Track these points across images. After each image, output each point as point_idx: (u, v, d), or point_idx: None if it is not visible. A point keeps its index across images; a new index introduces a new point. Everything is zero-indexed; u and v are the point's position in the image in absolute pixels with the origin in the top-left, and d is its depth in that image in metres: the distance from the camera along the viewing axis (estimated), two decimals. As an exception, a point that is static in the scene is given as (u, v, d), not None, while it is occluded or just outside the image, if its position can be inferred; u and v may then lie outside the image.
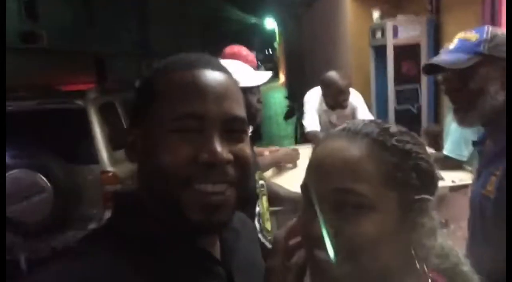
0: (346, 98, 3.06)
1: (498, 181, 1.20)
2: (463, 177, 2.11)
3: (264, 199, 1.67)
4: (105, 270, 0.58)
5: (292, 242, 0.68)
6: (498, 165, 1.21)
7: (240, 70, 1.60)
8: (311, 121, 3.17)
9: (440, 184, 2.05)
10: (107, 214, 3.00)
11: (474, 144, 1.47)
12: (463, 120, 1.30)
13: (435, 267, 0.62)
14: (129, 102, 4.49)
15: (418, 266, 0.59)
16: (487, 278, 0.70)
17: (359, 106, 3.18)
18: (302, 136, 6.28)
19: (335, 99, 3.06)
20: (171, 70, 0.65)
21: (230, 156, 0.61)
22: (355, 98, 3.18)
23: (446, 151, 2.25)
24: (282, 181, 2.24)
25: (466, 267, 0.65)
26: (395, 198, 0.58)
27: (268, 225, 1.65)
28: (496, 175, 1.21)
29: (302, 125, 6.12)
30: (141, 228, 0.63)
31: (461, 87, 1.25)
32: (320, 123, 3.21)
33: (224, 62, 1.73)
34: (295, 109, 7.02)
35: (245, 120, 0.66)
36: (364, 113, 3.17)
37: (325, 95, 3.12)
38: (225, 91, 0.64)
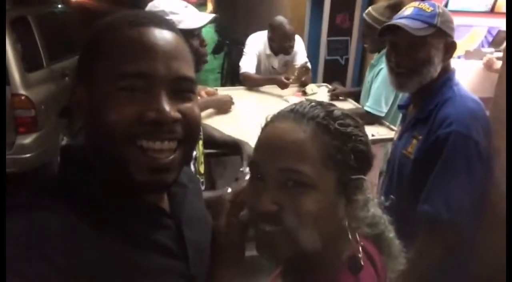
0: (292, 45, 3.08)
1: (418, 145, 1.35)
2: (381, 132, 2.32)
3: (200, 143, 1.69)
4: (63, 224, 0.58)
5: (237, 200, 0.73)
6: (420, 130, 1.36)
7: (180, 11, 1.52)
8: (248, 64, 3.15)
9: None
10: (20, 140, 2.81)
11: (400, 107, 1.61)
12: (403, 85, 1.39)
13: (365, 234, 0.71)
14: (45, 17, 4.05)
15: (350, 236, 0.67)
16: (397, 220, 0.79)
17: (299, 52, 3.22)
18: (229, 73, 6.21)
19: (281, 44, 3.06)
20: (118, 28, 0.62)
21: (177, 115, 0.61)
22: (297, 44, 3.20)
23: (367, 107, 2.43)
24: (215, 122, 2.27)
25: (391, 233, 0.75)
26: (334, 177, 0.64)
27: (201, 168, 1.69)
28: (418, 139, 1.36)
29: (230, 62, 6.03)
30: (90, 184, 0.63)
31: (410, 53, 1.32)
32: (261, 67, 3.21)
33: (163, 1, 1.63)
34: (224, 45, 6.83)
35: (194, 80, 0.66)
36: (302, 59, 3.21)
37: (271, 39, 3.10)
38: (173, 50, 0.63)
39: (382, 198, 0.74)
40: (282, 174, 0.63)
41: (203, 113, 2.46)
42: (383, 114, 2.42)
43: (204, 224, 0.81)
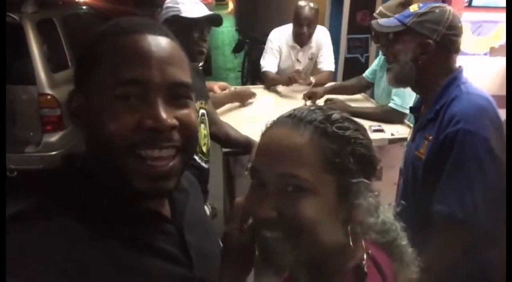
0: (305, 33, 2.96)
1: (429, 145, 1.33)
2: (401, 130, 2.28)
3: (202, 127, 1.75)
4: (65, 232, 0.58)
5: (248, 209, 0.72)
6: (430, 130, 1.35)
7: (186, 2, 1.63)
8: (270, 62, 3.10)
9: (381, 136, 2.18)
10: (46, 138, 2.89)
11: (411, 109, 1.59)
12: (387, 79, 1.46)
13: (375, 241, 0.69)
14: (69, 19, 4.15)
15: (351, 243, 0.64)
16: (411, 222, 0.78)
17: (325, 46, 3.13)
18: (249, 72, 6.25)
19: (295, 31, 2.98)
20: (113, 35, 0.62)
21: (174, 121, 0.61)
22: (323, 36, 3.12)
23: (393, 104, 2.39)
24: (232, 118, 2.31)
25: (404, 241, 0.73)
26: (333, 181, 0.63)
27: (204, 149, 1.77)
28: (428, 139, 1.34)
29: (250, 60, 6.06)
30: (91, 191, 0.64)
31: (387, 49, 1.42)
32: (284, 61, 3.13)
33: None
34: (245, 44, 6.86)
35: (190, 85, 0.65)
36: (327, 54, 3.12)
37: (294, 25, 3.00)
38: (168, 56, 0.62)
39: (393, 203, 0.73)
40: (280, 179, 0.63)
41: (222, 109, 2.50)
42: (408, 111, 2.38)
43: (205, 228, 0.82)
